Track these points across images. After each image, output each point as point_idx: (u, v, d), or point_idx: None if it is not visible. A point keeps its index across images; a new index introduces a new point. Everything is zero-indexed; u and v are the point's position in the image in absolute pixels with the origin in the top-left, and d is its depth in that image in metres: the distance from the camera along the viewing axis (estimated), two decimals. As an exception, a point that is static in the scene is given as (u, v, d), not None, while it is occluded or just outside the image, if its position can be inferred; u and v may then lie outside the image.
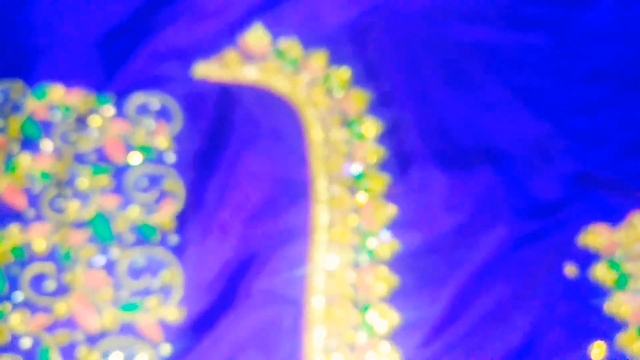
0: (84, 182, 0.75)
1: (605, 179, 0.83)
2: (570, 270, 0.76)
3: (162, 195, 0.76)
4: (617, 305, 0.74)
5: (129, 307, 0.68)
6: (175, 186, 0.76)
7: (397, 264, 0.74)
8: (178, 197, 0.76)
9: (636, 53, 0.96)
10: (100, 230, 0.72)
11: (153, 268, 0.71)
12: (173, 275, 0.70)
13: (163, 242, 0.73)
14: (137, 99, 0.83)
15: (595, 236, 0.79)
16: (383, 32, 0.94)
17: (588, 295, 0.75)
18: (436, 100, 0.89)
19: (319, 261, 0.73)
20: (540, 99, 0.91)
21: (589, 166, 0.84)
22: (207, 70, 0.88)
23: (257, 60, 0.90)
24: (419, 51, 0.94)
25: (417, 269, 0.74)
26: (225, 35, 0.91)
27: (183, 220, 0.74)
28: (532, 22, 0.98)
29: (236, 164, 0.80)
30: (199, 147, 0.80)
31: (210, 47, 0.89)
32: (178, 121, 0.82)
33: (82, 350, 0.66)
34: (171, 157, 0.79)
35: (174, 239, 0.73)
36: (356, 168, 0.82)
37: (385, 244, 0.76)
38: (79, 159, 0.77)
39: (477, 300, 0.73)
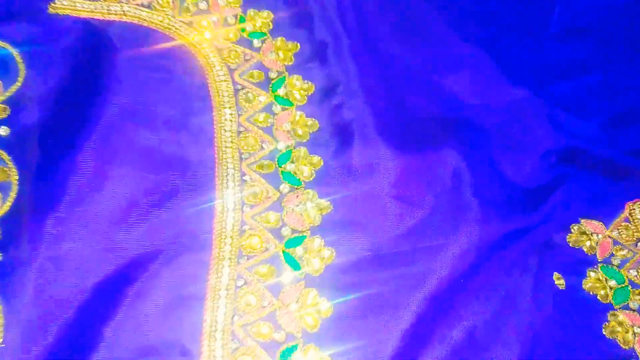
0: None
1: (596, 156, 0.61)
2: (559, 281, 0.54)
3: (-17, 189, 0.47)
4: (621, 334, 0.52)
5: None
6: (4, 175, 0.48)
7: (335, 285, 0.49)
8: (6, 193, 0.47)
9: (618, 7, 0.73)
10: None
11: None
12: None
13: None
14: (-43, 43, 0.52)
15: (587, 235, 0.57)
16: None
17: (583, 314, 0.53)
18: (386, 54, 0.64)
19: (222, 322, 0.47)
20: (513, 58, 0.68)
21: (575, 140, 0.62)
22: (69, 3, 0.58)
23: (144, -7, 0.61)
24: (364, -9, 0.68)
25: (361, 294, 0.50)
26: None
27: (10, 227, 0.46)
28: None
29: (105, 142, 0.52)
30: (45, 116, 0.51)
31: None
32: (17, 76, 0.52)
33: None
34: (3, 130, 0.50)
35: (-5, 258, 0.45)
36: (279, 147, 0.56)
37: (317, 248, 0.51)
38: None
39: (441, 332, 0.49)
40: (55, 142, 0.51)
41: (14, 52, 0.54)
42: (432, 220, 0.54)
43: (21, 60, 0.54)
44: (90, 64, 0.56)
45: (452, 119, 0.61)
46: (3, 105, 0.51)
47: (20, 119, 0.51)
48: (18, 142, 0.49)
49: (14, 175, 0.48)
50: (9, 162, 0.48)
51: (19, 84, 0.52)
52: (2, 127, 0.50)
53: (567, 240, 0.56)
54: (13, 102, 0.51)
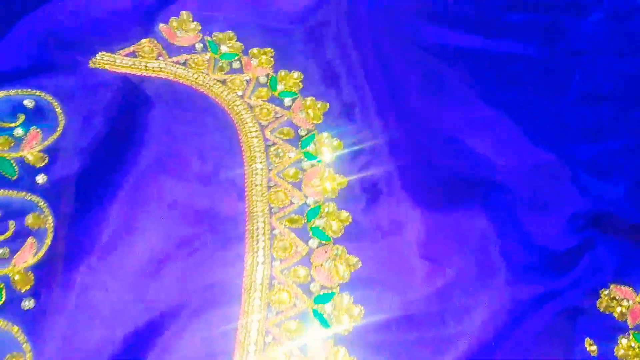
0: None
1: (623, 221, 0.61)
2: (591, 347, 0.52)
3: (20, 236, 0.47)
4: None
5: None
6: (40, 222, 0.48)
7: (365, 345, 0.48)
8: (41, 240, 0.47)
9: (637, 75, 0.76)
10: None
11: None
12: (18, 363, 0.42)
13: (10, 308, 0.44)
14: (2, 94, 0.54)
15: (617, 301, 0.56)
16: (345, 28, 0.69)
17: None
18: (413, 114, 0.65)
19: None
20: (535, 121, 0.69)
21: (602, 204, 0.62)
22: (109, 59, 0.60)
23: (181, 52, 0.64)
24: (390, 53, 0.70)
25: (391, 355, 0.48)
26: (141, 18, 0.65)
27: (44, 274, 0.46)
28: (518, 30, 0.76)
29: (138, 193, 0.53)
30: (82, 166, 0.52)
31: (117, 30, 0.63)
32: (56, 126, 0.54)
33: None
34: (41, 178, 0.51)
35: (27, 304, 0.44)
36: (308, 202, 0.56)
37: (346, 305, 0.50)
38: None
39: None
40: (90, 192, 0.51)
41: (54, 103, 0.56)
42: (460, 281, 0.53)
43: (61, 111, 0.55)
44: (127, 117, 0.57)
45: (478, 179, 0.61)
46: (42, 154, 0.52)
47: (58, 167, 0.52)
48: (55, 190, 0.50)
49: (49, 223, 0.48)
50: (45, 209, 0.48)
51: (57, 134, 0.54)
52: (41, 175, 0.51)
53: (598, 305, 0.55)
54: (51, 151, 0.53)
